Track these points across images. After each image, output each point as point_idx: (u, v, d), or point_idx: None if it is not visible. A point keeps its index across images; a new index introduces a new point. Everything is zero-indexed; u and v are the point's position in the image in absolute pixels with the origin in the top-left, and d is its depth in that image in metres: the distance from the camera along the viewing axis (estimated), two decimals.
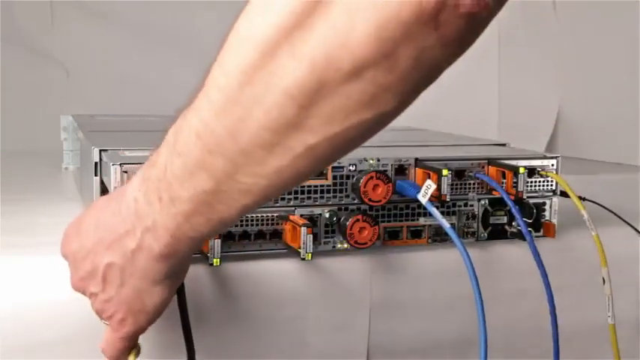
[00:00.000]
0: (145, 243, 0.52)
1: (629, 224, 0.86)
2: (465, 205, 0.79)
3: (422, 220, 0.78)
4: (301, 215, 0.73)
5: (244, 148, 0.44)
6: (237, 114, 0.43)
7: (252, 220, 0.72)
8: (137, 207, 0.52)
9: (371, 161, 0.76)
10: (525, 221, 0.77)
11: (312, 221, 0.73)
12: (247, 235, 0.72)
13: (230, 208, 0.48)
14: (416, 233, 0.78)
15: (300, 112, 0.41)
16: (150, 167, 0.51)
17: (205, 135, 0.45)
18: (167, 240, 0.51)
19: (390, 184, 0.75)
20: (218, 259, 0.67)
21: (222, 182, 0.46)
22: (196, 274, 0.69)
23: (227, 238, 0.71)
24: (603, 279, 0.83)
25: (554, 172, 0.81)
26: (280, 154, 0.43)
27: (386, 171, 0.76)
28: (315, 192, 0.74)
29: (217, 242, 0.66)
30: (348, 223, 0.73)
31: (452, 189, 0.77)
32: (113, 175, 0.67)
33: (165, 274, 0.54)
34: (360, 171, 0.75)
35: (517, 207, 0.76)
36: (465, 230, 0.80)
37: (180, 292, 0.62)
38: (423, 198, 0.71)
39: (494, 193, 0.79)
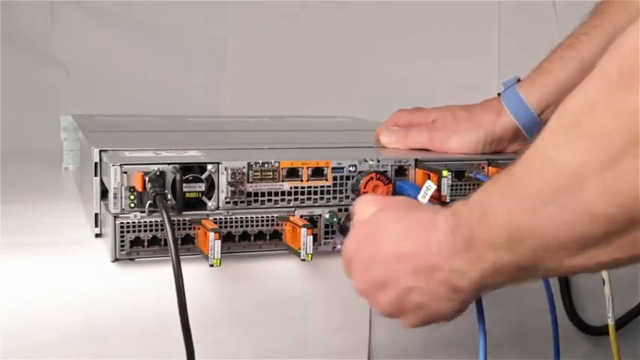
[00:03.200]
0: (452, 280, 0.56)
1: None
2: None
3: None
4: (301, 216, 0.73)
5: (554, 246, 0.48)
6: (550, 226, 0.47)
7: (252, 221, 0.72)
8: (451, 254, 0.55)
9: (371, 162, 0.76)
10: None
11: (312, 222, 0.73)
12: (247, 235, 0.72)
13: (545, 273, 0.54)
14: None
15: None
16: (458, 227, 0.54)
17: (513, 226, 0.49)
18: (476, 285, 0.55)
19: (390, 185, 0.75)
20: (218, 260, 0.67)
21: (537, 263, 0.50)
22: (196, 275, 0.70)
23: (227, 239, 0.71)
24: (603, 279, 0.83)
25: None
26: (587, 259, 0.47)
27: (386, 172, 0.76)
28: (315, 192, 0.74)
29: (217, 243, 0.66)
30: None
31: (452, 190, 0.77)
32: (113, 175, 0.68)
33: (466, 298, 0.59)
34: (360, 172, 0.75)
35: None
36: None
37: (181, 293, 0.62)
38: (423, 199, 0.71)
39: None
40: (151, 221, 0.68)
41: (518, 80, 0.85)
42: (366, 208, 0.65)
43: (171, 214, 0.65)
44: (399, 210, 0.62)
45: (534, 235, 0.48)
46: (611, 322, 0.83)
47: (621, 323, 0.86)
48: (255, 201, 0.72)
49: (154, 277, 0.68)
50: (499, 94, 0.86)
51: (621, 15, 0.79)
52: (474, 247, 0.53)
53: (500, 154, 0.84)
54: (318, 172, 0.74)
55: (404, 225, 0.60)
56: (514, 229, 0.49)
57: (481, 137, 0.83)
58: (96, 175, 0.74)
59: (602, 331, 0.85)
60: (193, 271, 0.69)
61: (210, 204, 0.70)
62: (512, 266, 0.52)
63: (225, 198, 0.71)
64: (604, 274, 0.83)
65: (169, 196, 0.68)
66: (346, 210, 0.75)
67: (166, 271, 0.62)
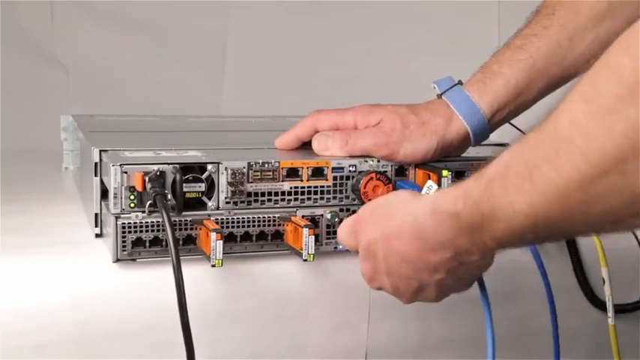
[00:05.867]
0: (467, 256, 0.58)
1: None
2: None
3: None
4: (303, 216, 0.73)
5: (578, 229, 0.51)
6: (576, 208, 0.47)
7: (253, 221, 0.72)
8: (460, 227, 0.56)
9: (371, 162, 0.76)
10: None
11: (313, 222, 0.73)
12: (249, 236, 0.72)
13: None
14: None
15: None
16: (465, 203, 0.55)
17: (536, 218, 0.49)
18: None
19: (390, 185, 0.75)
20: (220, 260, 0.67)
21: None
22: (198, 275, 0.70)
23: (229, 239, 0.71)
24: (603, 279, 0.83)
25: None
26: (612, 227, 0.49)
27: (386, 172, 0.76)
28: (315, 193, 0.74)
29: (219, 243, 0.66)
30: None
31: None
32: (113, 175, 0.68)
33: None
34: (360, 172, 0.75)
35: None
36: None
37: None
38: None
39: None
40: (152, 222, 0.68)
41: (460, 82, 0.81)
42: (350, 239, 0.66)
43: (171, 214, 0.65)
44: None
45: (564, 221, 0.49)
46: (611, 323, 0.83)
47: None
48: (255, 201, 0.72)
49: (155, 277, 0.68)
50: (439, 96, 0.81)
51: (570, 18, 0.78)
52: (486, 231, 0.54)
53: (445, 159, 0.80)
54: (318, 172, 0.74)
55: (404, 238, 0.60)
56: (541, 223, 0.49)
57: (433, 145, 0.77)
58: (96, 175, 0.74)
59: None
60: (195, 271, 0.69)
61: (211, 204, 0.70)
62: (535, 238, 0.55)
63: (226, 198, 0.71)
64: (604, 273, 0.83)
65: (169, 196, 0.68)
66: (347, 210, 0.75)
67: (168, 271, 0.62)
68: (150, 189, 0.67)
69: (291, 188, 0.73)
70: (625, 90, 0.42)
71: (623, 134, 0.42)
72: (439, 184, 0.74)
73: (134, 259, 0.69)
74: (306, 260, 0.70)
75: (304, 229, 0.69)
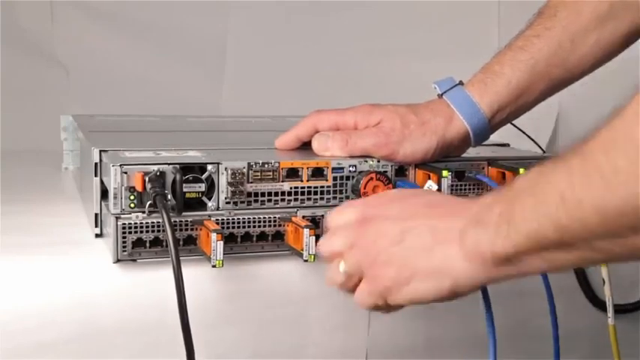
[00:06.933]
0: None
1: None
2: None
3: None
4: (303, 217, 0.73)
5: (610, 228, 0.45)
6: (613, 201, 0.44)
7: (254, 222, 0.72)
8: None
9: (371, 162, 0.76)
10: None
11: (314, 222, 0.73)
12: (249, 236, 0.72)
13: (567, 257, 0.50)
14: None
15: None
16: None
17: (570, 201, 0.47)
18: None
19: (390, 185, 0.75)
20: (220, 261, 0.66)
21: (570, 240, 0.48)
22: (198, 275, 0.69)
23: (229, 239, 0.71)
24: (603, 279, 0.83)
25: None
26: None
27: (386, 172, 0.76)
28: (315, 193, 0.74)
29: (220, 244, 0.66)
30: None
31: (452, 190, 0.77)
32: (113, 175, 0.68)
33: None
34: (360, 172, 0.75)
35: None
36: None
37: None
38: None
39: None
40: (152, 222, 0.68)
41: (461, 83, 0.81)
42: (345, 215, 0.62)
43: (171, 214, 0.65)
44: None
45: (597, 214, 0.46)
46: (611, 323, 0.83)
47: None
48: (255, 201, 0.72)
49: (155, 278, 0.68)
50: (440, 96, 0.81)
51: (572, 19, 0.78)
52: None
53: (445, 159, 0.80)
54: (318, 173, 0.74)
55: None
56: (573, 209, 0.47)
57: (433, 144, 0.77)
58: (96, 176, 0.74)
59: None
60: (196, 271, 0.69)
61: (211, 204, 0.70)
62: (551, 241, 0.49)
63: (225, 198, 0.71)
64: (604, 273, 0.83)
65: (169, 197, 0.68)
66: None
67: (168, 272, 0.62)
68: (150, 189, 0.67)
69: (291, 188, 0.73)
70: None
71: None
72: (439, 184, 0.74)
73: (134, 260, 0.69)
74: (306, 261, 0.70)
75: (305, 229, 0.69)
